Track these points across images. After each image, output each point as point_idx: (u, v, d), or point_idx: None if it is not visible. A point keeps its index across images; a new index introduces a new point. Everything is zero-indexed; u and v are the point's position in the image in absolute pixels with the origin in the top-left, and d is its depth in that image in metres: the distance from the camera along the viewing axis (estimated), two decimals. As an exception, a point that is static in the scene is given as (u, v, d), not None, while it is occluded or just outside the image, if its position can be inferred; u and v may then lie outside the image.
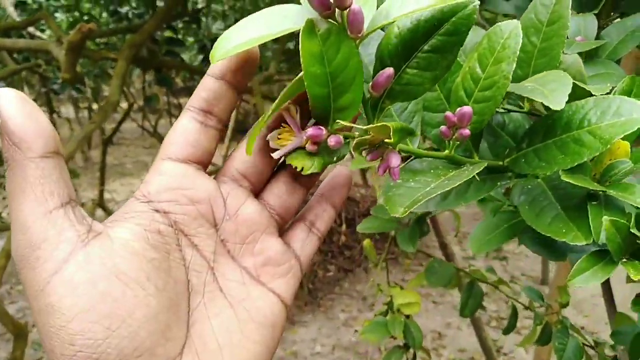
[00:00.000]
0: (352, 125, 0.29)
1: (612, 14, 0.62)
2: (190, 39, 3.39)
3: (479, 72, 0.34)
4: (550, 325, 0.96)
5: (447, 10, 0.28)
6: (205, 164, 0.31)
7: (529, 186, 0.41)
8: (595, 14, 0.57)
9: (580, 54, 0.51)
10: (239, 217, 0.31)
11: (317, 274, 3.27)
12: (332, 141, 0.29)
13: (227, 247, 0.31)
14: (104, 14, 2.83)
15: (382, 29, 0.29)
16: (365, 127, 0.29)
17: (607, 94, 0.38)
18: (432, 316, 2.89)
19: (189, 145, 0.30)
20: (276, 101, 0.28)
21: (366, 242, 1.01)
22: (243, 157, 0.31)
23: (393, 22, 0.28)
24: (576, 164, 0.32)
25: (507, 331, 0.94)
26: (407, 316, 0.92)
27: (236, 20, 0.32)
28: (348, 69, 0.28)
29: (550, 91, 0.33)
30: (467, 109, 0.33)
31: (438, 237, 2.36)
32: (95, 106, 4.61)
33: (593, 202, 0.36)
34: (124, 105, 3.66)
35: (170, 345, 0.26)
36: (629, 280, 0.37)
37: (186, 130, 0.30)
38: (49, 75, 3.05)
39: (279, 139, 0.30)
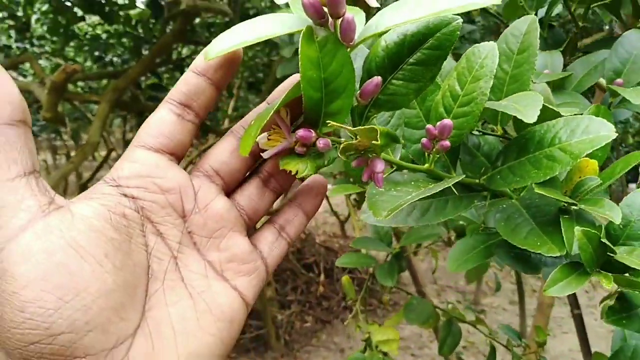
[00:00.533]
0: (342, 126, 0.30)
1: (575, 53, 0.66)
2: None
3: (458, 90, 0.36)
4: (528, 364, 0.95)
5: (432, 26, 0.30)
6: (179, 157, 0.31)
7: (504, 205, 0.43)
8: (561, 52, 0.61)
9: (548, 84, 0.55)
10: (208, 211, 0.31)
11: (294, 325, 3.20)
12: (321, 143, 0.31)
13: (193, 239, 0.31)
14: (89, 62, 2.87)
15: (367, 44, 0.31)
16: (354, 129, 0.30)
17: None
18: (410, 369, 2.83)
19: (164, 136, 0.30)
20: (274, 105, 0.30)
21: (344, 279, 1.00)
22: (218, 155, 0.32)
23: (385, 32, 0.29)
24: (548, 177, 0.34)
25: (486, 370, 0.93)
26: (385, 353, 0.91)
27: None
28: (342, 76, 0.29)
29: (523, 107, 0.36)
30: (447, 121, 0.35)
31: (416, 286, 2.36)
32: (73, 153, 4.58)
33: (565, 216, 0.38)
34: (103, 153, 3.65)
35: (123, 325, 0.26)
36: (606, 320, 0.39)
37: (162, 121, 0.31)
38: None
39: (269, 139, 0.31)
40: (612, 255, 0.35)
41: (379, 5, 0.30)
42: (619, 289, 0.40)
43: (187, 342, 0.28)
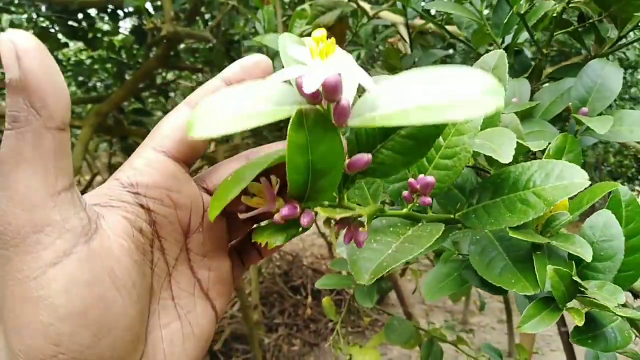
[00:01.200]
0: (328, 213, 0.29)
1: (541, 78, 0.68)
2: (159, 113, 3.44)
3: (440, 140, 0.36)
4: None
5: None
6: (191, 165, 0.30)
7: (478, 237, 0.43)
8: (526, 77, 0.63)
9: (516, 113, 0.56)
10: (210, 231, 0.31)
11: (281, 348, 3.16)
12: (305, 220, 0.29)
13: (189, 257, 0.30)
14: (73, 87, 2.86)
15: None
16: (339, 216, 0.29)
17: (544, 151, 0.42)
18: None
19: (186, 145, 0.28)
20: (255, 167, 0.28)
21: (325, 301, 1.00)
22: (223, 172, 0.31)
23: (382, 125, 0.26)
24: (522, 222, 0.34)
25: (469, 391, 0.93)
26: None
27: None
28: (329, 157, 0.27)
29: (498, 146, 0.36)
30: (430, 179, 0.34)
31: (403, 307, 2.36)
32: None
33: (537, 252, 0.39)
34: (88, 177, 3.63)
35: (136, 355, 0.26)
36: (572, 340, 0.40)
37: (184, 125, 0.28)
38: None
39: (251, 197, 0.30)
40: (583, 290, 0.36)
41: (373, 88, 0.26)
42: (585, 309, 0.40)
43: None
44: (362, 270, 0.31)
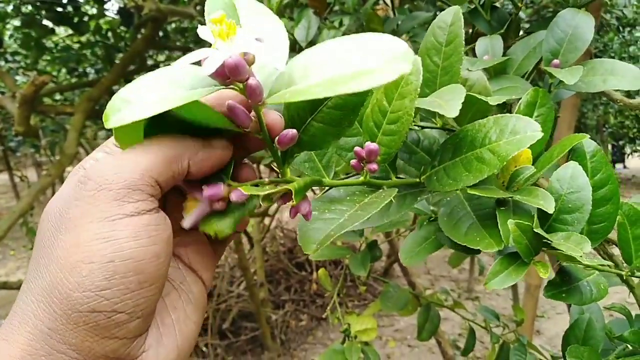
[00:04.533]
0: (256, 192, 0.30)
1: (519, 33, 0.67)
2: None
3: (386, 105, 0.36)
4: (508, 343, 0.96)
5: None
6: None
7: (448, 198, 0.43)
8: (503, 34, 0.61)
9: (489, 71, 0.55)
10: (179, 212, 0.32)
11: (289, 324, 3.20)
12: (234, 196, 0.29)
13: None
14: (63, 71, 2.84)
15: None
16: (266, 192, 0.29)
17: (505, 105, 0.41)
18: (407, 360, 2.84)
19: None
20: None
21: (321, 272, 1.01)
22: None
23: (292, 101, 0.27)
24: (478, 180, 0.34)
25: (465, 352, 0.94)
26: (366, 343, 0.91)
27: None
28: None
29: (446, 101, 0.36)
30: (373, 146, 0.35)
31: (406, 277, 2.37)
32: (58, 167, 4.53)
33: (502, 208, 0.38)
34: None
35: (151, 318, 0.29)
36: (545, 294, 0.40)
37: None
38: (6, 134, 3.02)
39: (184, 209, 0.31)
40: (548, 242, 0.36)
41: (283, 70, 0.28)
42: (559, 263, 0.40)
43: (181, 330, 0.31)
44: (309, 241, 0.31)
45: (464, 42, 0.42)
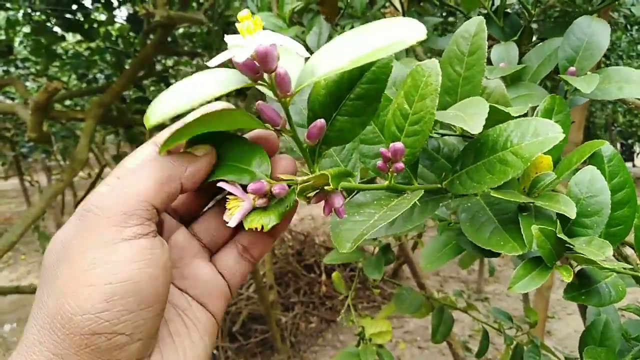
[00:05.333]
0: (293, 177, 0.32)
1: (533, 39, 0.67)
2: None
3: (407, 108, 0.37)
4: (522, 345, 0.96)
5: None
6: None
7: (469, 204, 0.44)
8: (516, 41, 0.62)
9: (505, 78, 0.56)
10: (170, 243, 0.34)
11: (298, 326, 3.20)
12: (276, 189, 0.32)
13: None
14: (73, 77, 2.86)
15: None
16: (305, 178, 0.32)
17: (526, 115, 0.42)
18: (417, 362, 2.84)
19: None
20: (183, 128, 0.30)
21: (335, 275, 1.01)
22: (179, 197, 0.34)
23: (320, 78, 0.29)
24: (502, 182, 0.35)
25: (479, 354, 0.94)
26: (380, 345, 0.92)
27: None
28: None
29: (470, 116, 0.37)
30: (399, 145, 0.36)
31: (416, 278, 2.37)
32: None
33: (524, 214, 0.39)
34: (97, 170, 3.66)
35: (154, 340, 0.30)
36: (565, 297, 0.40)
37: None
38: (18, 140, 3.05)
39: (228, 210, 0.32)
40: (571, 247, 0.36)
41: (308, 55, 0.30)
42: (578, 266, 0.41)
43: (185, 355, 0.31)
44: (343, 240, 0.32)
45: (486, 53, 0.42)
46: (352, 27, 1.08)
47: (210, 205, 0.37)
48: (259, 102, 0.32)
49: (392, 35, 0.27)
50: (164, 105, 0.27)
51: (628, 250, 0.51)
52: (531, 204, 0.39)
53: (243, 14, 0.28)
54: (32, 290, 2.23)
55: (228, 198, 0.33)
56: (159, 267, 0.29)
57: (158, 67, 2.72)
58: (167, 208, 0.32)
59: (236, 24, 0.29)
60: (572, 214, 0.34)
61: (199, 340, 0.33)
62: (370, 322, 0.94)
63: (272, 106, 0.32)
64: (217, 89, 0.28)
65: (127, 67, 2.29)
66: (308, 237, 3.93)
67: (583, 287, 0.40)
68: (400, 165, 0.36)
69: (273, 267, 3.15)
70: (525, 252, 0.35)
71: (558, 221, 0.37)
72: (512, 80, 0.57)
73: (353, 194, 0.40)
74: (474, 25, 0.44)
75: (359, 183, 0.39)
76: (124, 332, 0.27)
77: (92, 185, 3.08)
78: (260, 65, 0.28)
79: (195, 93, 0.27)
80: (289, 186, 0.33)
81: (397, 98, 0.38)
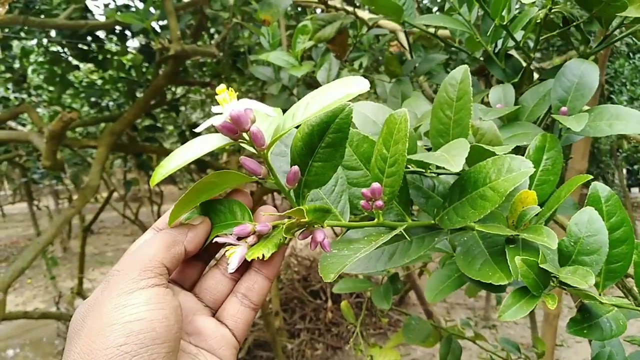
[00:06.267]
0: (272, 213, 0.39)
1: (534, 79, 0.70)
2: (170, 127, 3.50)
3: (386, 153, 0.41)
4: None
5: (331, 115, 0.37)
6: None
7: (465, 237, 0.47)
8: (518, 82, 0.65)
9: (502, 117, 0.59)
10: None
11: (304, 353, 3.18)
12: (259, 227, 0.38)
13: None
14: (85, 107, 2.93)
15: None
16: (283, 213, 0.37)
17: (521, 151, 0.45)
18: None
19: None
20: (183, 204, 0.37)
21: (343, 304, 1.03)
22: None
23: (287, 132, 0.35)
24: (483, 215, 0.39)
25: (487, 385, 0.95)
26: (388, 375, 0.93)
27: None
28: None
29: (452, 157, 0.40)
30: (376, 185, 0.41)
31: (423, 306, 2.36)
32: (75, 197, 4.61)
33: (511, 246, 0.42)
34: (105, 194, 3.70)
35: None
36: (568, 331, 0.42)
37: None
38: (29, 165, 3.09)
39: (228, 260, 0.38)
40: (555, 277, 0.39)
41: (275, 115, 0.38)
42: (580, 301, 0.43)
43: None
44: (328, 272, 0.37)
45: (472, 98, 0.46)
46: (361, 65, 1.12)
47: (207, 269, 0.42)
48: (241, 157, 0.38)
49: (343, 91, 0.34)
50: (166, 167, 0.35)
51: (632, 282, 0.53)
52: (517, 237, 0.42)
53: (220, 88, 0.35)
54: (38, 316, 2.25)
55: (226, 255, 0.38)
56: (170, 309, 0.33)
57: (168, 95, 2.77)
58: (175, 268, 0.37)
59: (216, 97, 0.35)
60: (553, 245, 0.37)
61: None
62: (379, 352, 0.95)
63: (252, 159, 0.38)
64: (206, 148, 0.35)
65: (138, 95, 2.34)
66: (314, 262, 3.93)
67: (585, 321, 0.42)
68: (380, 203, 0.41)
69: (279, 292, 3.15)
70: (510, 281, 0.38)
71: (542, 252, 0.40)
72: (509, 119, 0.61)
73: (344, 232, 0.44)
74: (460, 73, 0.48)
75: (360, 221, 0.43)
76: None
77: (101, 210, 3.11)
78: (236, 127, 0.34)
79: (189, 154, 0.35)
80: (276, 226, 0.39)
81: (377, 144, 0.42)
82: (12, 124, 2.47)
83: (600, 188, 0.43)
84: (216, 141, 0.36)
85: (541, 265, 0.38)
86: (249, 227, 0.38)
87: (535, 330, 3.10)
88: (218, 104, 0.36)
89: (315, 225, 0.38)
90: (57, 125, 1.59)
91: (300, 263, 3.94)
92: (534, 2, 0.59)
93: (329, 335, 3.37)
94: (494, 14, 0.60)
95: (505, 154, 0.40)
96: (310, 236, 0.38)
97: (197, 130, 0.37)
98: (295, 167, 0.38)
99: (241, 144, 0.37)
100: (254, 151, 0.37)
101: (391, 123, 0.41)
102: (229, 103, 0.35)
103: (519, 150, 0.53)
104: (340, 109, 0.37)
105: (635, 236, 0.43)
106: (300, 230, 0.38)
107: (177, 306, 0.35)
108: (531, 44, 0.74)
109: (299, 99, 0.37)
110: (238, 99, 0.35)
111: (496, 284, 0.39)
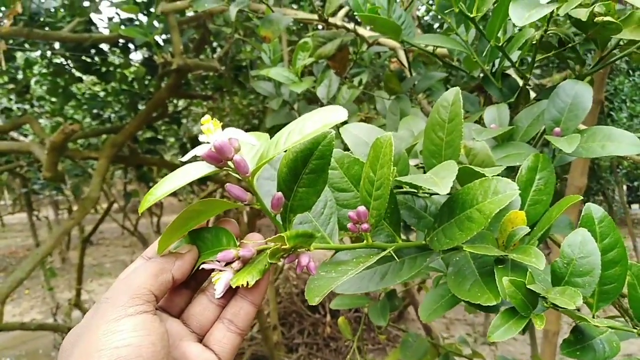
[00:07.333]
0: (253, 240, 0.40)
1: (530, 99, 0.71)
2: (171, 139, 3.52)
3: (373, 176, 0.42)
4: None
5: (314, 142, 0.38)
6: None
7: (457, 258, 0.47)
8: (514, 101, 0.66)
9: (497, 138, 0.60)
10: None
11: (302, 369, 3.16)
12: (241, 252, 0.39)
13: None
14: (87, 119, 2.94)
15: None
16: (265, 240, 0.39)
17: (515, 170, 0.46)
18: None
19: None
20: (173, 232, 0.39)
21: (341, 320, 1.02)
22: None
23: (270, 159, 0.37)
24: (469, 237, 0.40)
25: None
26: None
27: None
28: None
29: (441, 179, 0.41)
30: (362, 208, 0.42)
31: (421, 321, 2.34)
32: (75, 208, 4.62)
33: (500, 266, 0.42)
34: (105, 205, 3.70)
35: None
36: (562, 352, 0.42)
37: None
38: (30, 176, 3.10)
39: (214, 281, 0.39)
40: (544, 298, 0.39)
41: (257, 144, 0.39)
42: (574, 322, 0.43)
43: None
44: (313, 295, 0.38)
45: (462, 120, 0.47)
46: (361, 82, 1.13)
47: (195, 296, 0.43)
48: (227, 184, 0.39)
49: (322, 120, 0.35)
50: (155, 195, 0.36)
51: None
52: (507, 257, 0.42)
53: (204, 118, 0.37)
54: (35, 327, 2.24)
55: (212, 281, 0.39)
56: (157, 335, 0.35)
57: (170, 107, 2.79)
58: (163, 295, 0.39)
59: (201, 127, 0.37)
60: (540, 266, 0.38)
61: None
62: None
63: (237, 186, 0.39)
64: (192, 176, 0.36)
65: (140, 107, 2.35)
66: (313, 276, 3.91)
67: (578, 342, 0.42)
68: (366, 226, 0.42)
69: (277, 306, 3.14)
70: (499, 302, 0.39)
71: (530, 272, 0.40)
72: (503, 139, 0.61)
73: (333, 254, 0.45)
74: (452, 95, 0.48)
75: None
76: None
77: (100, 221, 3.11)
78: (220, 156, 0.36)
79: (176, 182, 0.36)
80: (261, 251, 0.40)
81: (365, 168, 0.43)
82: (14, 134, 2.49)
83: (594, 209, 0.44)
84: (202, 169, 0.37)
85: (529, 286, 0.38)
86: (232, 252, 0.39)
87: (535, 347, 3.08)
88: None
89: (300, 249, 0.39)
90: (59, 137, 1.61)
91: (299, 277, 3.93)
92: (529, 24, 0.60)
93: (327, 350, 3.35)
94: (489, 35, 0.61)
95: (497, 174, 0.41)
96: (296, 260, 0.39)
97: (182, 159, 0.39)
98: (279, 193, 0.40)
99: (227, 171, 0.38)
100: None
101: (377, 147, 0.42)
102: (213, 133, 0.36)
103: (513, 170, 0.54)
104: (322, 136, 0.38)
105: (635, 253, 0.43)
106: (286, 255, 0.39)
107: (163, 332, 0.36)
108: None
109: (299, 114, 0.38)
110: (224, 128, 0.37)
111: (484, 304, 0.40)
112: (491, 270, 0.42)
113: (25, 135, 2.97)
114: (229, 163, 0.37)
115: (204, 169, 0.37)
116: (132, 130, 2.03)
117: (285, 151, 0.38)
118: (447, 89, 1.06)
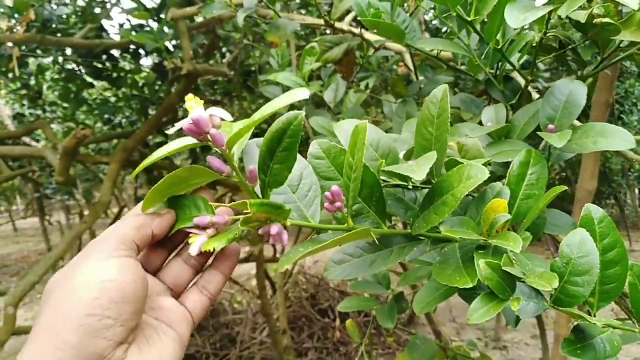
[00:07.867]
0: (224, 205, 0.44)
1: (531, 100, 0.72)
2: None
3: (352, 161, 0.45)
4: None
5: (286, 122, 0.42)
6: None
7: (446, 249, 0.49)
8: (516, 103, 0.67)
9: (493, 135, 0.61)
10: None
11: (311, 372, 3.16)
12: (215, 219, 0.43)
13: None
14: (99, 124, 2.97)
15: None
16: (230, 204, 0.43)
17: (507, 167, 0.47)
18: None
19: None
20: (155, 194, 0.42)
21: (348, 323, 1.03)
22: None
23: (245, 130, 0.40)
24: (442, 219, 0.43)
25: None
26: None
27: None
28: None
29: (418, 167, 0.44)
30: (335, 188, 0.46)
31: (431, 325, 2.34)
32: (86, 212, 4.66)
33: (480, 251, 0.44)
34: (116, 210, 3.74)
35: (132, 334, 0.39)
36: (562, 351, 0.43)
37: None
38: (42, 181, 3.14)
39: (190, 245, 0.43)
40: (522, 280, 0.41)
41: (232, 119, 0.43)
42: (575, 321, 0.43)
43: (158, 353, 0.41)
44: (284, 262, 0.42)
45: (449, 116, 0.48)
46: (367, 85, 1.14)
47: (172, 255, 0.48)
48: (209, 156, 0.43)
49: (288, 99, 0.39)
50: (150, 159, 0.41)
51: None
52: (488, 244, 0.44)
53: (188, 97, 0.41)
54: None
55: (189, 241, 0.43)
56: (139, 276, 0.39)
57: (180, 112, 2.81)
58: (143, 247, 0.43)
59: (185, 104, 0.41)
60: (517, 249, 0.39)
61: (168, 345, 0.42)
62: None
63: (218, 159, 0.43)
64: (177, 147, 0.41)
65: (151, 112, 2.38)
66: (322, 280, 3.92)
67: (578, 341, 0.42)
68: (339, 204, 0.45)
69: (287, 310, 3.14)
70: (475, 284, 0.40)
71: (506, 255, 0.42)
72: (499, 137, 0.63)
73: (312, 232, 0.49)
74: (440, 92, 0.50)
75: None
76: (111, 316, 0.36)
77: (111, 224, 3.14)
78: (198, 129, 0.40)
79: (168, 149, 0.41)
80: (236, 221, 0.43)
81: (347, 155, 0.46)
82: (26, 139, 2.52)
83: (593, 209, 0.44)
84: (186, 142, 0.42)
85: (504, 268, 0.40)
86: (207, 218, 0.43)
87: (546, 351, 3.05)
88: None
89: (273, 221, 0.42)
90: (71, 141, 1.63)
91: (308, 281, 3.94)
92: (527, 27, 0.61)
93: (337, 355, 3.35)
94: (488, 38, 0.62)
95: (485, 167, 0.42)
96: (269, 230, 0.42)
97: (169, 132, 0.47)
98: (253, 167, 0.44)
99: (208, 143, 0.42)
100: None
101: (355, 134, 0.44)
102: (194, 110, 0.40)
103: (508, 165, 0.55)
104: (294, 117, 0.42)
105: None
106: (260, 227, 0.43)
107: (144, 276, 0.40)
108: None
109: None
110: (206, 109, 0.41)
111: (461, 287, 0.41)
112: (471, 257, 0.44)
113: (37, 141, 3.02)
114: (208, 137, 0.40)
115: (187, 140, 0.41)
116: (142, 135, 2.05)
117: (255, 132, 0.43)
118: (455, 93, 1.07)
